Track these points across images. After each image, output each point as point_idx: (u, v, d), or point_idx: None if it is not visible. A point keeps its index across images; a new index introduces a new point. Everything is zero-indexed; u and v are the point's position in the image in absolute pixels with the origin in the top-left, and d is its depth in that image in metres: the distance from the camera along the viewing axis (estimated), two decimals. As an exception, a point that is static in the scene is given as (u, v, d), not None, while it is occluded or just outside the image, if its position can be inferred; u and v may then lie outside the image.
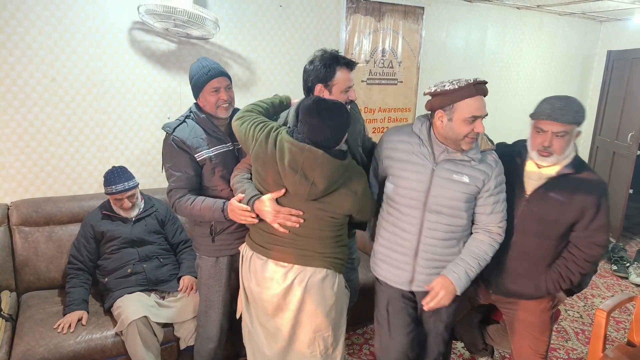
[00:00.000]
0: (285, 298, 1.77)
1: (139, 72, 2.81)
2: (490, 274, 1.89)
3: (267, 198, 1.70)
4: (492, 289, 1.95)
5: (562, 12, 4.43)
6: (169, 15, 2.44)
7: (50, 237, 2.53)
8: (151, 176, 2.99)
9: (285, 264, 1.76)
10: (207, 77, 1.91)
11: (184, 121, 1.98)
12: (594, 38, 4.89)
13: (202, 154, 1.95)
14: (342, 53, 3.52)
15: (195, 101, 2.03)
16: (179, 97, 2.96)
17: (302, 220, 1.71)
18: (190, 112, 2.02)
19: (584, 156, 5.15)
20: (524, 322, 1.94)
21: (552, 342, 2.30)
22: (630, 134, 4.33)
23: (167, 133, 1.97)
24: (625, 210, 4.47)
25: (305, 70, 1.83)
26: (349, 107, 1.87)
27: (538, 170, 1.77)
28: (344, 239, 1.85)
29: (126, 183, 2.40)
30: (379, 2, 3.52)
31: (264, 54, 3.17)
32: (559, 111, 1.64)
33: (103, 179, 2.44)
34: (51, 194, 2.71)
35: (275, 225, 1.72)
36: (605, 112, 4.83)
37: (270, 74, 3.23)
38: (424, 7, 3.73)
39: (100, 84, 2.71)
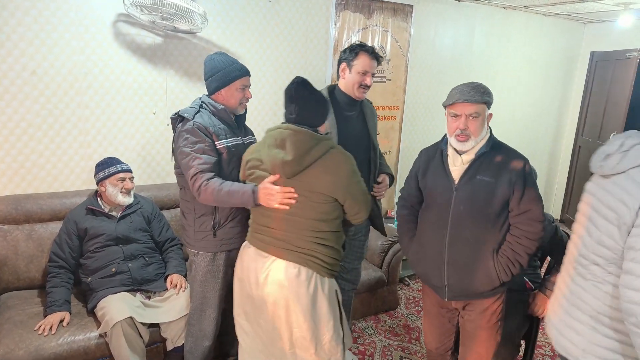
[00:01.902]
0: (263, 290, 1.79)
1: (124, 66, 2.73)
2: (438, 279, 1.86)
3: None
4: (446, 295, 1.88)
5: (548, 13, 4.48)
6: (156, 7, 2.37)
7: (30, 236, 2.45)
8: (135, 173, 2.88)
9: (266, 255, 1.80)
10: (240, 74, 1.98)
11: (199, 110, 1.98)
12: (578, 39, 4.96)
13: (223, 143, 1.98)
14: (331, 50, 3.51)
15: (205, 94, 2.06)
16: (165, 92, 2.89)
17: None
18: (202, 102, 2.01)
19: (567, 155, 5.23)
20: (473, 326, 1.91)
21: (537, 339, 2.32)
22: (612, 134, 4.40)
23: (183, 119, 1.96)
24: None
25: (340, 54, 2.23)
26: (364, 93, 2.18)
27: (459, 157, 1.78)
28: (329, 239, 1.79)
29: (125, 164, 2.44)
30: (369, -1, 3.50)
31: (253, 49, 3.12)
32: (468, 93, 1.72)
33: (99, 166, 2.39)
34: (31, 191, 2.62)
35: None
36: (588, 112, 4.91)
37: (259, 69, 3.18)
38: (413, 5, 3.73)
39: (82, 78, 2.63)
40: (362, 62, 2.10)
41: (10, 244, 2.41)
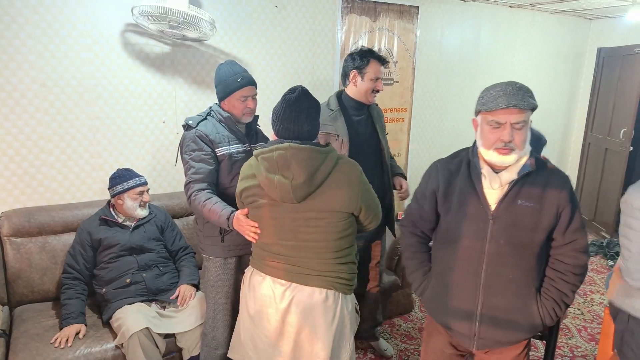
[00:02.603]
0: (284, 319, 1.68)
1: (132, 76, 2.73)
2: (467, 327, 1.56)
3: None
4: (475, 345, 1.57)
5: (554, 10, 4.46)
6: (164, 16, 2.37)
7: (43, 248, 2.44)
8: (146, 182, 2.91)
9: (284, 282, 1.68)
10: (238, 85, 1.96)
11: (205, 118, 2.02)
12: (584, 36, 4.93)
13: (223, 150, 1.99)
14: (338, 54, 3.51)
15: (216, 102, 2.10)
16: (174, 101, 2.89)
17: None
18: (212, 110, 2.05)
19: (576, 153, 5.19)
20: None
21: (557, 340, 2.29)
22: (622, 130, 4.37)
23: (188, 126, 2.01)
24: (619, 206, 4.50)
25: (345, 60, 2.26)
26: (374, 97, 2.25)
27: (497, 176, 1.46)
28: (348, 255, 1.72)
29: (143, 177, 2.42)
30: (374, 2, 3.49)
31: (260, 55, 3.12)
32: (515, 96, 1.39)
33: (116, 179, 2.35)
34: (43, 203, 2.62)
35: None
36: (596, 109, 4.87)
37: (267, 75, 3.18)
38: (418, 7, 3.71)
39: (92, 89, 2.63)
40: (373, 69, 2.17)
41: (23, 256, 2.40)
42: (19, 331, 2.16)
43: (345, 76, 2.26)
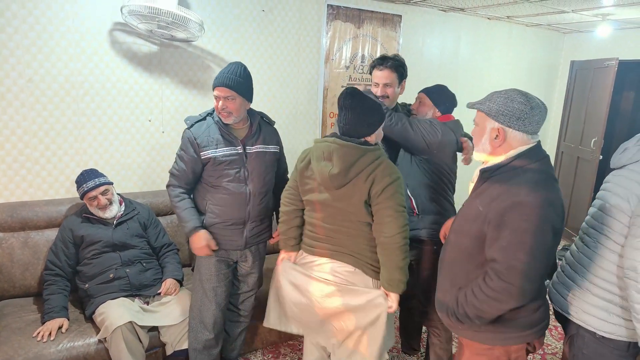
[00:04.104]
0: (323, 290, 1.89)
1: (120, 74, 2.75)
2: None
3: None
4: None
5: (529, 24, 4.64)
6: (154, 16, 2.41)
7: (26, 243, 2.44)
8: (131, 180, 2.93)
9: (324, 259, 1.92)
10: (214, 84, 2.04)
11: (204, 118, 2.11)
12: (558, 49, 5.14)
13: (208, 153, 2.06)
14: (322, 59, 3.58)
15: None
16: (160, 100, 2.92)
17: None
18: (214, 110, 2.13)
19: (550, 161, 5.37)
20: None
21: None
22: (593, 140, 4.57)
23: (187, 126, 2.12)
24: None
25: None
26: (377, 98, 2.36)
27: (477, 172, 1.57)
28: None
29: (96, 179, 2.38)
30: (359, 9, 3.59)
31: (247, 57, 3.18)
32: (482, 100, 1.52)
33: (76, 184, 2.40)
34: (27, 199, 2.61)
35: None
36: (569, 119, 5.07)
37: (253, 78, 3.21)
38: (401, 15, 3.83)
39: (79, 86, 2.64)
40: (373, 75, 2.38)
41: (5, 251, 2.39)
42: (0, 325, 2.16)
43: None
